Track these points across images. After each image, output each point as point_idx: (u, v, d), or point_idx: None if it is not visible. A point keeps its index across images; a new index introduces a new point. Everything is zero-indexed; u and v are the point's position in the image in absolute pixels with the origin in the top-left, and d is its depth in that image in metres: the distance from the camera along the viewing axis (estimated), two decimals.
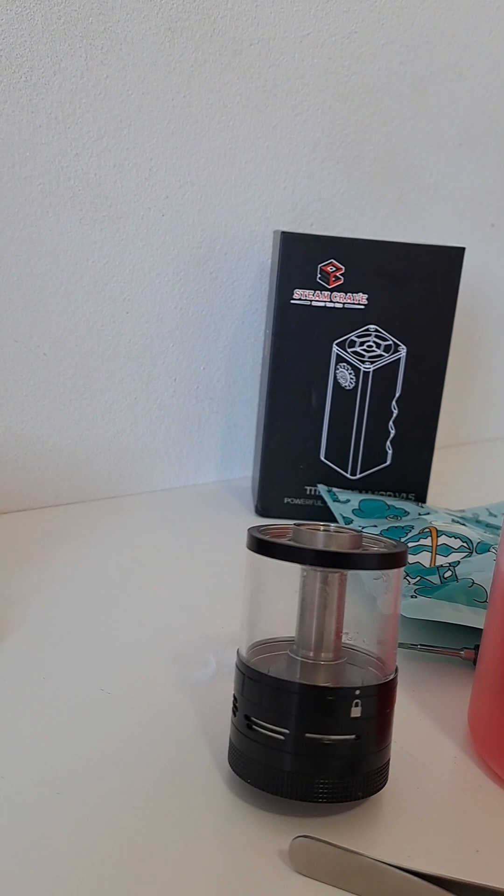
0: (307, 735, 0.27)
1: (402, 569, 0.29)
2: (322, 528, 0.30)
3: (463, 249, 0.53)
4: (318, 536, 0.29)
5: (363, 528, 0.49)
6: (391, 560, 0.28)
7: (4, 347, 0.53)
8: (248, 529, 0.29)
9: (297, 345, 0.53)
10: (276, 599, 0.31)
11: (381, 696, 0.28)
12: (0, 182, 0.50)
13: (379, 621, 0.31)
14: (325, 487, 0.55)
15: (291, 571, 0.29)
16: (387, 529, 0.48)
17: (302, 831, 0.26)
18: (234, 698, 0.29)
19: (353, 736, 0.27)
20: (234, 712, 0.29)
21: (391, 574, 0.29)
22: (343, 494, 0.55)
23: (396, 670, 0.29)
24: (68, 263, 0.54)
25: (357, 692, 0.27)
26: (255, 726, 0.28)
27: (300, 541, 0.29)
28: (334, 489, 0.55)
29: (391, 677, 0.29)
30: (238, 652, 0.30)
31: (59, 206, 0.53)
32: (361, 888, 0.25)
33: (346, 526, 0.31)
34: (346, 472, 0.56)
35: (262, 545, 0.28)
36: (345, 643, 0.30)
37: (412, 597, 0.40)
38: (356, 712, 0.27)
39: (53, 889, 0.24)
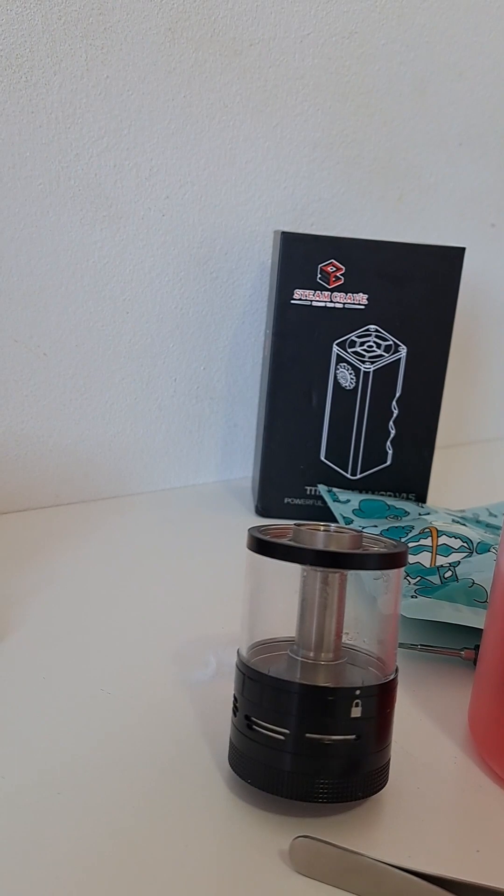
0: (307, 735, 0.27)
1: (403, 569, 0.29)
2: (322, 528, 0.30)
3: (463, 249, 0.53)
4: (319, 536, 0.29)
5: (363, 528, 0.49)
6: (391, 560, 0.28)
7: (4, 347, 0.53)
8: (249, 529, 0.29)
9: (297, 345, 0.53)
10: (277, 599, 0.31)
11: (382, 696, 0.28)
12: (0, 182, 0.50)
13: (379, 621, 0.31)
14: (326, 487, 0.55)
15: (291, 571, 0.29)
16: (387, 529, 0.48)
17: (302, 831, 0.26)
18: (235, 698, 0.29)
19: (354, 736, 0.27)
20: (235, 712, 0.29)
21: (391, 574, 0.29)
22: (343, 494, 0.55)
23: (397, 670, 0.29)
24: (68, 263, 0.54)
25: (357, 692, 0.27)
26: (255, 726, 0.28)
27: (300, 541, 0.29)
28: (334, 489, 0.55)
29: (391, 677, 0.29)
30: (238, 652, 0.30)
31: (59, 206, 0.53)
32: (361, 888, 0.25)
33: (347, 526, 0.31)
34: (347, 473, 0.56)
35: (262, 545, 0.28)
36: (345, 643, 0.30)
37: (412, 597, 0.40)
38: (356, 712, 0.27)
39: (53, 889, 0.24)
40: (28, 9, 0.49)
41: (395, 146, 0.66)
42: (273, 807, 0.28)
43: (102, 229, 0.55)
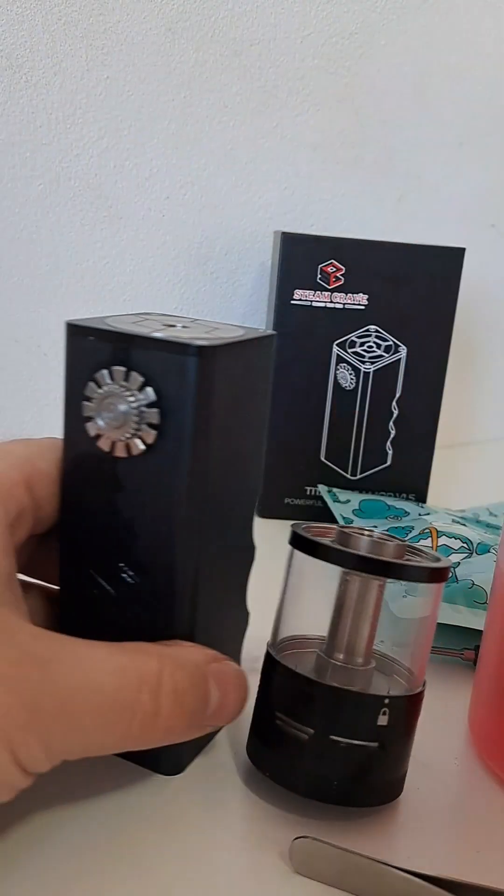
0: (332, 737, 0.27)
1: (443, 584, 0.29)
2: (367, 533, 0.29)
3: (463, 250, 0.53)
4: (363, 542, 0.28)
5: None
6: (437, 574, 0.27)
7: (4, 347, 0.53)
8: (292, 526, 0.29)
9: (297, 345, 0.53)
10: (312, 598, 0.31)
11: (410, 707, 0.28)
12: (1, 182, 0.50)
13: (413, 633, 0.31)
14: (326, 488, 0.55)
15: (332, 573, 0.28)
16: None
17: (302, 832, 0.26)
18: (260, 691, 0.29)
19: (377, 744, 0.27)
20: (259, 705, 0.29)
21: (432, 588, 0.29)
22: (343, 495, 0.55)
23: (425, 683, 0.29)
24: (69, 263, 0.54)
25: (386, 700, 0.27)
26: (279, 721, 0.27)
27: (344, 544, 0.28)
28: (334, 489, 0.55)
29: (420, 689, 0.28)
30: (268, 645, 0.30)
31: (59, 206, 0.53)
32: (362, 889, 0.25)
33: (387, 533, 0.31)
34: (347, 473, 0.56)
35: (308, 545, 0.27)
36: (376, 650, 0.30)
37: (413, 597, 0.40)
38: (383, 720, 0.27)
39: (53, 887, 0.24)
40: (28, 9, 0.49)
41: (395, 146, 0.66)
42: (274, 807, 0.28)
43: (102, 229, 0.55)
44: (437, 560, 0.29)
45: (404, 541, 0.29)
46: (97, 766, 0.30)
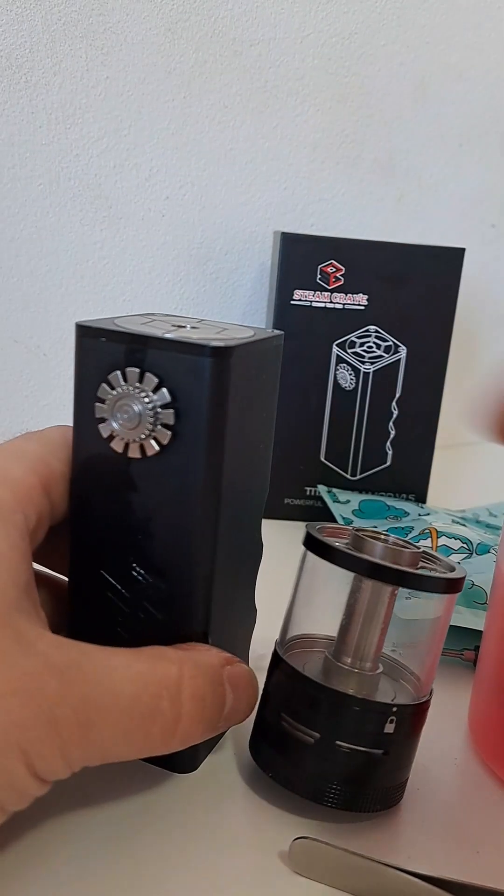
0: (337, 742, 0.26)
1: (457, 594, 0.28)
2: (382, 537, 0.29)
3: (463, 250, 0.53)
4: (378, 548, 0.28)
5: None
6: (453, 585, 0.27)
7: (4, 347, 0.53)
8: (307, 527, 0.29)
9: (297, 345, 0.53)
10: (323, 598, 0.30)
11: (416, 716, 0.28)
12: (0, 182, 0.50)
13: (421, 639, 0.31)
14: (325, 488, 0.55)
15: (344, 576, 0.28)
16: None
17: (303, 832, 0.26)
18: (266, 690, 0.29)
19: (382, 751, 0.27)
20: (265, 704, 0.29)
21: (445, 597, 0.28)
22: (343, 495, 0.55)
23: (431, 692, 0.29)
24: (68, 264, 0.54)
25: (394, 709, 0.27)
26: (285, 723, 0.27)
27: (360, 548, 0.28)
28: (334, 490, 0.55)
29: (427, 698, 0.28)
30: (276, 644, 0.29)
31: (59, 206, 0.53)
32: (361, 889, 0.25)
33: (402, 539, 0.30)
34: (346, 473, 0.56)
35: (324, 549, 0.27)
36: (385, 655, 0.29)
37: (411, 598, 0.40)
38: (390, 728, 0.27)
39: (51, 884, 0.24)
40: (28, 9, 0.49)
41: (395, 146, 0.66)
42: (281, 803, 0.28)
43: (102, 229, 0.55)
44: (452, 569, 0.28)
45: (420, 548, 0.29)
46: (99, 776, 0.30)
